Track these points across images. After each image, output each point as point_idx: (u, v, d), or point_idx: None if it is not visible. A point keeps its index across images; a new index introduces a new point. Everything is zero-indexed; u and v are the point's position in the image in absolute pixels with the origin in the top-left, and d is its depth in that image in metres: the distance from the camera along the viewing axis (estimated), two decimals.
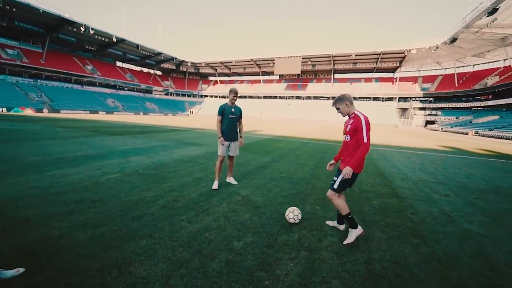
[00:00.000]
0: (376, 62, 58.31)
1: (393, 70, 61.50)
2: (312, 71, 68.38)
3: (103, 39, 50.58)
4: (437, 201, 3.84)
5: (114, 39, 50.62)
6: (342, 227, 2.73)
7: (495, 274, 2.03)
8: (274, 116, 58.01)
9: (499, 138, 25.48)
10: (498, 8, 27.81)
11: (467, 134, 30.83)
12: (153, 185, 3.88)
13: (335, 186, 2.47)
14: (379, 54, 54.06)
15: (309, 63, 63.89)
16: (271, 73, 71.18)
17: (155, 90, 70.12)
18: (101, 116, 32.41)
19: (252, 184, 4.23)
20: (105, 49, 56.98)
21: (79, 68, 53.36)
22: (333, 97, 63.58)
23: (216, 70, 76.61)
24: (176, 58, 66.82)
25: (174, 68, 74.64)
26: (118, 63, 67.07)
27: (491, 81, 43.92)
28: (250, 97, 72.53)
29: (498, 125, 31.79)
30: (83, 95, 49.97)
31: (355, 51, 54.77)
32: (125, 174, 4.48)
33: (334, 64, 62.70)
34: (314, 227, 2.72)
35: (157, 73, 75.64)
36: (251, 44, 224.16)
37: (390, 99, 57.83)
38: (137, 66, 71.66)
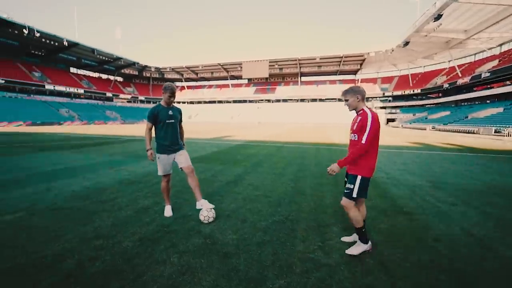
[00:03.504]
0: (339, 65, 60.97)
1: (355, 72, 64.92)
2: (279, 75, 69.24)
3: (52, 42, 45.19)
4: (449, 215, 3.12)
5: (66, 43, 45.63)
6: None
7: None
8: (245, 121, 57.25)
9: (453, 131, 27.57)
10: (442, 15, 30.47)
11: (425, 129, 33.04)
12: (69, 230, 2.58)
13: (354, 194, 2.13)
14: (341, 57, 56.53)
15: (276, 66, 64.62)
16: (240, 77, 70.55)
17: (116, 98, 65.07)
18: (51, 128, 28.43)
19: (219, 212, 3.13)
20: (55, 54, 51.21)
21: (25, 75, 47.08)
22: (301, 99, 65.07)
23: (182, 75, 73.80)
24: (138, 63, 62.80)
25: (137, 73, 70.16)
26: (72, 69, 60.95)
27: (439, 80, 48.27)
28: (220, 102, 71.05)
29: (451, 119, 34.70)
30: (31, 105, 44.05)
31: (319, 55, 56.65)
32: (32, 212, 3.07)
33: (300, 67, 64.24)
34: (317, 283, 1.73)
35: (118, 80, 70.47)
36: (217, 48, 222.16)
37: None
38: (95, 72, 65.93)
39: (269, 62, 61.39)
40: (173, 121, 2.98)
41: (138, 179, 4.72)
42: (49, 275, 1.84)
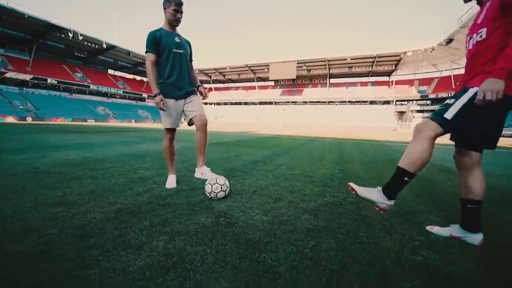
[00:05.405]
0: (372, 66, 57.53)
1: (389, 73, 60.83)
2: (307, 76, 67.38)
3: (93, 45, 48.69)
4: None
5: (105, 45, 48.81)
6: (476, 238, 1.28)
7: None
8: (270, 122, 56.30)
9: (509, 136, 23.96)
10: None
11: None
12: (29, 193, 1.81)
13: (448, 114, 1.17)
14: (375, 57, 53.18)
15: (304, 67, 62.93)
16: (266, 79, 69.97)
17: (148, 98, 68.13)
18: (87, 123, 30.09)
19: (242, 187, 2.18)
20: (95, 56, 55.04)
21: (68, 76, 51.16)
22: (329, 102, 62.41)
23: (210, 77, 75.16)
24: None
25: None
26: (110, 71, 65.07)
27: None
28: (246, 103, 70.98)
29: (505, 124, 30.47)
30: (72, 103, 47.69)
31: (350, 55, 53.86)
32: (5, 174, 2.39)
33: (329, 69, 61.80)
34: None
35: None
36: (246, 51, 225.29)
37: (387, 102, 56.74)
38: (130, 74, 69.77)
39: (297, 63, 59.95)
40: (182, 51, 2.09)
41: (147, 154, 3.96)
42: None
